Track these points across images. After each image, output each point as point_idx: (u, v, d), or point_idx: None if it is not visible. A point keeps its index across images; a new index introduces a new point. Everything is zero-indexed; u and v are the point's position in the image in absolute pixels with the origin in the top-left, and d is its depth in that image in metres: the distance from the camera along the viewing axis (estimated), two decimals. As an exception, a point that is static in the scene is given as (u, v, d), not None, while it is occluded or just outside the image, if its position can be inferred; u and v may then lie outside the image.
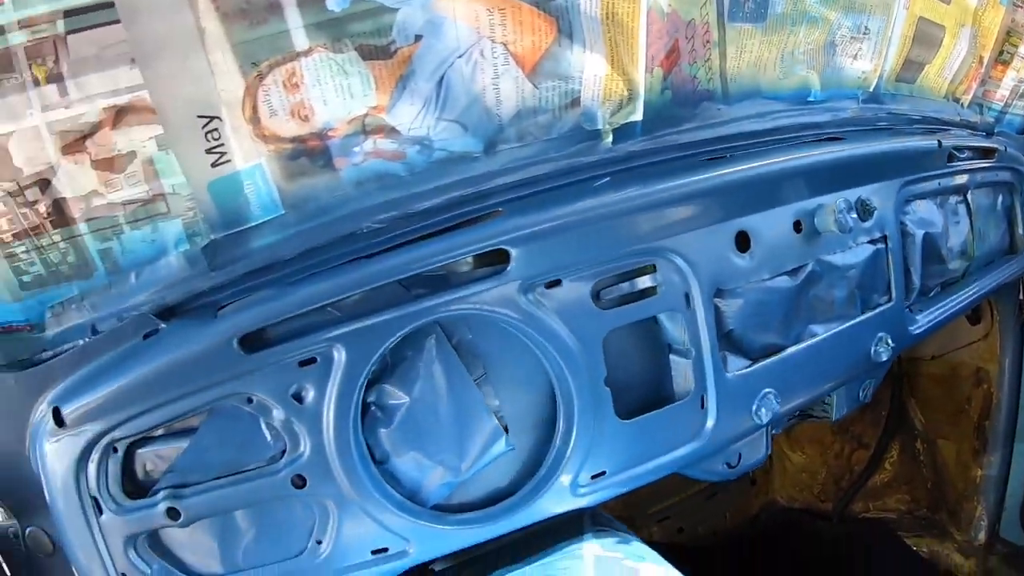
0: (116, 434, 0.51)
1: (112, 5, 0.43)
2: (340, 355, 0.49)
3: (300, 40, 0.45)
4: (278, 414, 0.50)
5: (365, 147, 0.50)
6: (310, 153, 0.49)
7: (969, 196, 0.69)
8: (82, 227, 0.50)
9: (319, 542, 0.53)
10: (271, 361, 0.49)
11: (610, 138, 0.53)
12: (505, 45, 0.49)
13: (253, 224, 0.51)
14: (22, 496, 0.58)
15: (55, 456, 0.53)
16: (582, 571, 0.48)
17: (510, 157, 0.52)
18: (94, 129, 0.47)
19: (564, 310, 0.51)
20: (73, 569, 0.57)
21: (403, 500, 0.52)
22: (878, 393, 0.88)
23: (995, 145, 0.71)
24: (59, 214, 0.49)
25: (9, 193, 0.48)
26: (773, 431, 0.62)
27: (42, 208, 0.49)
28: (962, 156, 0.67)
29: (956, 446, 0.85)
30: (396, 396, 0.51)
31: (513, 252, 0.49)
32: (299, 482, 0.51)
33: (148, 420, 0.51)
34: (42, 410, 0.52)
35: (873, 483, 0.93)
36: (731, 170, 0.54)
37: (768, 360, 0.56)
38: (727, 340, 0.55)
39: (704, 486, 1.01)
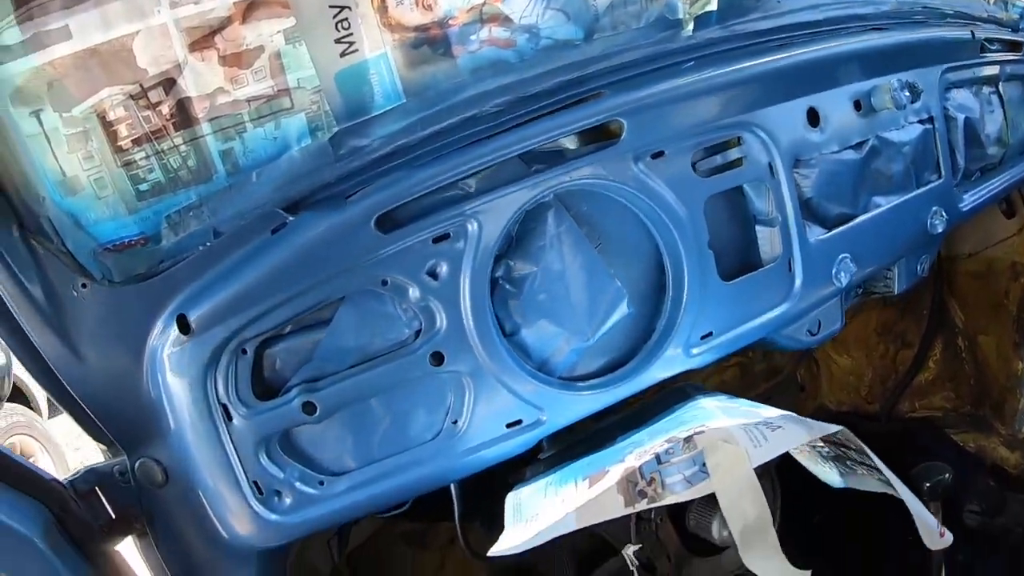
0: (247, 334, 0.53)
1: None
2: (472, 228, 0.53)
3: (424, -72, 0.50)
4: (413, 293, 0.53)
5: (481, 35, 0.54)
6: (431, 42, 0.53)
7: (1001, 87, 0.78)
8: (205, 127, 0.52)
9: (455, 422, 0.56)
10: (406, 240, 0.52)
11: (690, 26, 0.59)
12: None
13: (376, 113, 0.54)
14: (133, 426, 0.59)
15: (180, 366, 0.54)
16: (711, 413, 0.53)
17: (605, 44, 0.58)
18: (223, 24, 0.49)
19: (669, 178, 0.56)
20: (197, 490, 0.58)
21: (535, 370, 0.56)
22: (919, 293, 0.97)
23: (1021, 39, 0.81)
24: (182, 115, 0.51)
25: (131, 96, 0.50)
26: (845, 303, 0.69)
27: (165, 109, 0.51)
28: (993, 48, 0.77)
29: (996, 340, 0.93)
30: (523, 268, 0.55)
31: (626, 124, 0.54)
32: (436, 360, 0.54)
33: (280, 316, 0.53)
34: (164, 321, 0.54)
35: (918, 382, 1.01)
36: (799, 52, 0.61)
37: (842, 227, 0.63)
38: (805, 209, 0.62)
39: (758, 394, 1.08)
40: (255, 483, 0.56)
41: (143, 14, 0.48)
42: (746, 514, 0.47)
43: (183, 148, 0.52)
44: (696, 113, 0.57)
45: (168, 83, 0.50)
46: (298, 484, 0.56)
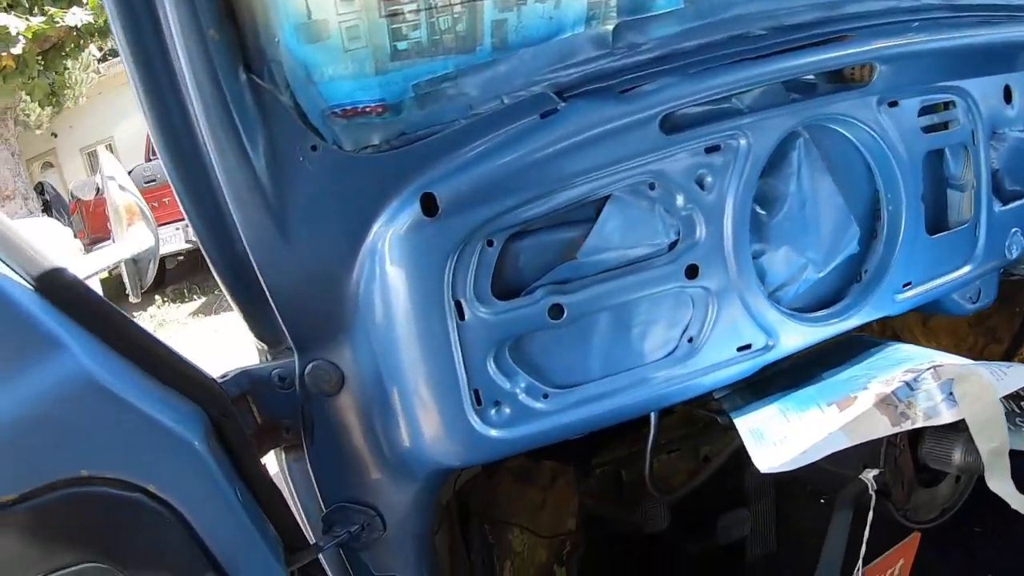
0: (499, 224, 0.50)
1: None
2: (742, 144, 0.53)
3: None
4: (680, 200, 0.52)
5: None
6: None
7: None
8: (488, -10, 0.48)
9: (690, 340, 0.55)
10: (684, 144, 0.51)
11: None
12: None
13: (656, 13, 0.52)
14: (319, 324, 0.53)
15: (415, 251, 0.50)
16: (928, 353, 0.57)
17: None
18: None
19: (901, 128, 0.59)
20: (388, 398, 0.53)
21: (771, 295, 0.57)
22: (1015, 290, 1.06)
23: None
24: (470, -31, 0.47)
25: (422, -63, 0.45)
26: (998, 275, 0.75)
27: (454, -39, 0.46)
28: None
29: None
30: (773, 193, 0.56)
31: (879, 68, 0.57)
32: (691, 272, 0.53)
33: (537, 209, 0.51)
34: (404, 199, 0.49)
35: None
36: (1003, 32, 0.67)
37: (1018, 202, 0.70)
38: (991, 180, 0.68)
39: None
40: (476, 392, 0.52)
41: None
42: (992, 440, 0.50)
43: (457, 9, 0.48)
44: (932, 70, 0.61)
45: (464, -68, 0.46)
46: (522, 396, 0.53)
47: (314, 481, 0.60)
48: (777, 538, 0.88)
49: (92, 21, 5.88)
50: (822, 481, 0.81)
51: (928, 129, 0.63)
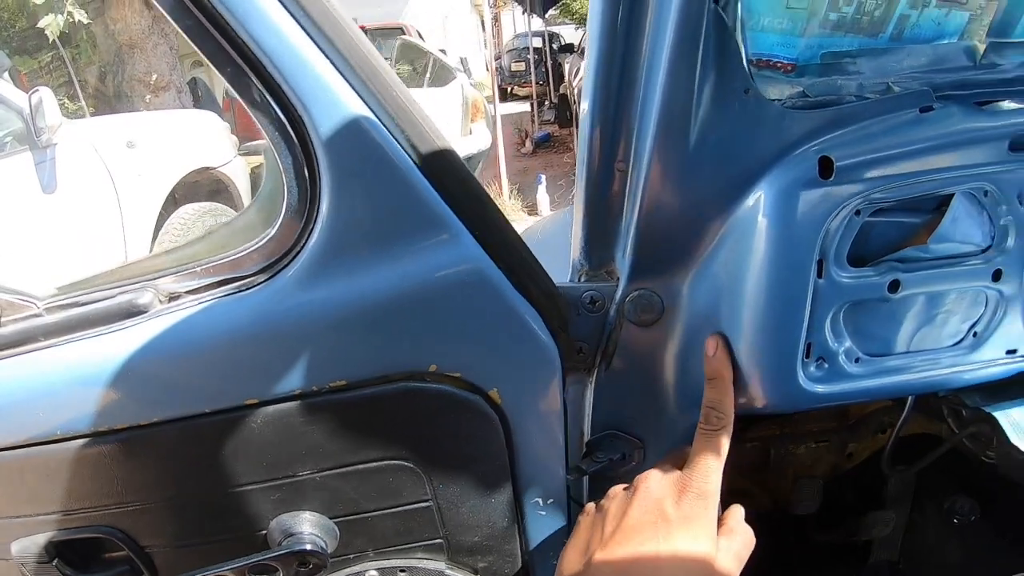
0: (872, 197, 0.61)
1: None
2: (1055, 171, 0.68)
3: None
4: (1003, 210, 0.66)
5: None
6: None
7: None
8: (919, -16, 0.60)
9: (975, 335, 0.69)
10: (1017, 164, 0.65)
11: None
12: None
13: (1015, 39, 0.66)
14: (666, 254, 0.62)
15: (803, 208, 0.60)
16: None
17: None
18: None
19: None
20: (741, 338, 0.62)
21: (1043, 310, 0.72)
22: None
23: None
24: (908, -36, 0.59)
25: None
26: None
27: (901, -49, 0.58)
28: None
29: None
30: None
31: None
32: (996, 276, 0.67)
33: (901, 191, 0.63)
34: (803, 156, 0.59)
35: None
36: None
37: None
38: None
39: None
40: (808, 345, 0.63)
41: None
42: None
43: (883, -3, 0.59)
44: None
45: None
46: (841, 356, 0.65)
47: (590, 405, 0.68)
48: (902, 547, 1.04)
49: None
50: (962, 503, 0.99)
51: None
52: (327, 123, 0.53)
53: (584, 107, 0.59)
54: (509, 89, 16.15)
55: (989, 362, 0.71)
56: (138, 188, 3.37)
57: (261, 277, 0.57)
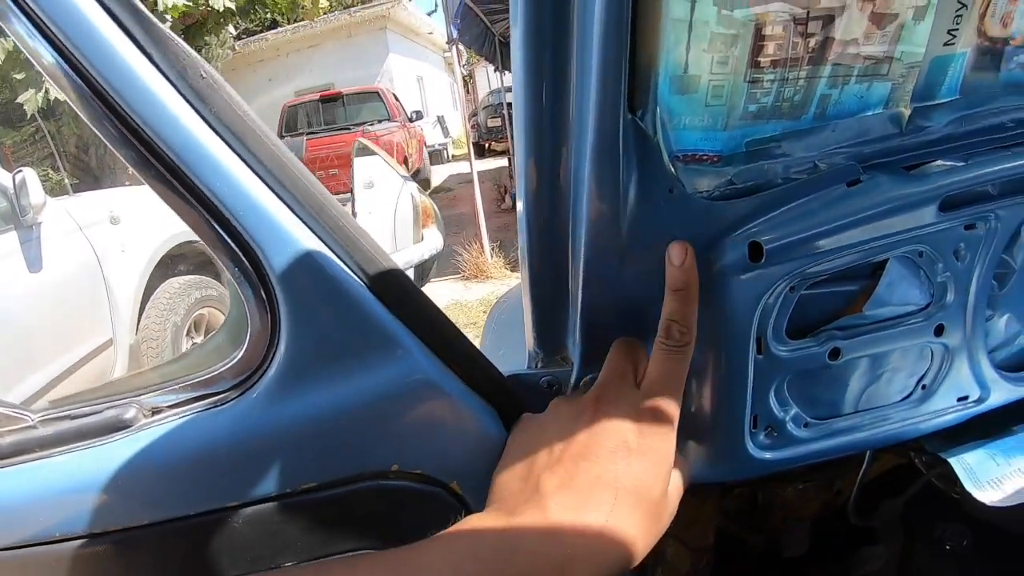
0: (804, 274, 0.72)
1: None
2: (992, 224, 0.78)
3: (1042, -37, 0.75)
4: (940, 268, 0.77)
5: (1019, 59, 0.80)
6: (992, 53, 0.78)
7: None
8: (827, 70, 0.71)
9: (924, 387, 0.81)
10: (951, 222, 0.76)
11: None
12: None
13: (938, 101, 0.77)
14: (608, 340, 0.73)
15: (736, 292, 0.71)
16: None
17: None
18: (887, -14, 0.69)
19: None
20: (691, 414, 0.74)
21: (991, 355, 0.83)
22: None
23: None
24: (820, 52, 0.70)
25: (794, 19, 0.67)
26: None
27: (812, 42, 0.69)
28: None
29: None
30: (1006, 267, 0.82)
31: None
32: (938, 331, 0.79)
33: (833, 264, 0.74)
34: (732, 244, 0.70)
35: None
36: None
37: None
38: None
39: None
40: (755, 416, 0.74)
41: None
42: None
43: (800, 82, 0.70)
44: None
45: (827, 20, 0.68)
46: (789, 424, 0.77)
47: None
48: (899, 577, 1.16)
49: (233, 7, 7.83)
50: (953, 531, 1.10)
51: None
52: (281, 258, 0.65)
53: (519, 208, 0.71)
54: (487, 145, 17.40)
55: (941, 411, 0.82)
56: (123, 264, 3.67)
57: (233, 394, 0.70)
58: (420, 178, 11.93)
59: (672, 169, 0.69)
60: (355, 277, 0.67)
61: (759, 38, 0.67)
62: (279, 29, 15.94)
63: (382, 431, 0.69)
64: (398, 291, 0.68)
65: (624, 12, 0.60)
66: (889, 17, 0.72)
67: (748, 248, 0.71)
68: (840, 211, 0.73)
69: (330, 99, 10.94)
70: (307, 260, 0.65)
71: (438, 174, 14.49)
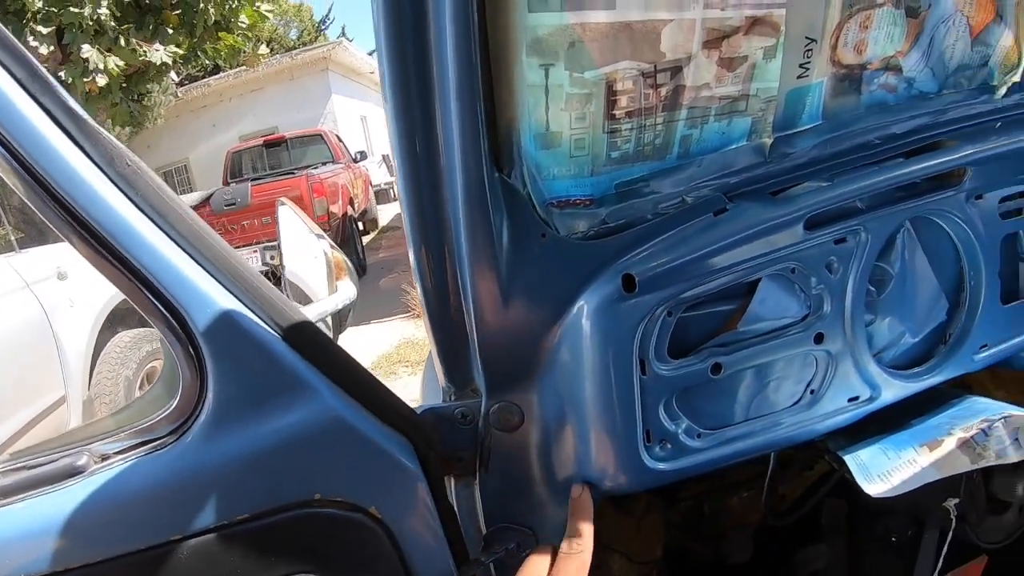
0: (679, 299, 0.86)
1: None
2: (862, 237, 0.91)
3: (884, -6, 0.87)
4: (814, 282, 0.90)
5: (880, 80, 0.93)
6: (851, 79, 0.91)
7: None
8: (682, 113, 0.84)
9: (812, 392, 0.94)
10: (819, 238, 0.89)
11: (1002, 92, 1.04)
12: (968, 18, 0.96)
13: (800, 129, 0.90)
14: (511, 372, 0.88)
15: (615, 321, 0.85)
16: (1000, 405, 0.97)
17: (947, 100, 1.00)
18: (732, 32, 0.82)
19: (984, 216, 1.00)
20: (566, 434, 0.88)
21: (878, 356, 0.96)
22: None
23: None
24: (673, 99, 0.83)
25: (642, 73, 0.81)
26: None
27: (663, 91, 0.82)
28: None
29: None
30: (883, 273, 0.95)
31: (969, 171, 0.96)
32: (818, 339, 0.92)
33: (707, 287, 0.87)
34: (608, 278, 0.84)
35: None
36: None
37: None
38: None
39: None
40: (647, 431, 0.88)
41: (681, 7, 0.79)
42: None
43: (659, 127, 0.84)
44: (1011, 167, 1.01)
45: (675, 70, 0.81)
46: (682, 435, 0.90)
47: (479, 504, 0.95)
48: (851, 574, 1.29)
49: (171, 62, 8.32)
50: (896, 522, 1.22)
51: (1006, 215, 1.03)
52: (203, 318, 0.80)
53: (411, 257, 0.85)
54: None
55: (832, 412, 0.95)
56: (72, 319, 3.79)
57: (171, 438, 0.85)
58: (368, 218, 12.39)
59: (543, 215, 0.83)
60: (269, 330, 0.82)
61: (611, 94, 0.81)
62: (221, 74, 16.53)
63: (303, 464, 0.84)
64: (309, 340, 0.83)
65: (475, 84, 0.74)
66: (738, 60, 0.85)
67: (622, 280, 0.84)
68: (708, 239, 0.86)
69: (274, 144, 11.39)
70: (226, 318, 0.80)
71: (385, 213, 14.83)
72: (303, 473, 0.85)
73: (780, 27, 0.84)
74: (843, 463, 0.98)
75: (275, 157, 11.19)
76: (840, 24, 0.87)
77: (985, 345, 1.05)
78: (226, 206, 8.00)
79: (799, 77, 0.88)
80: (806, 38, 0.86)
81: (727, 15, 0.82)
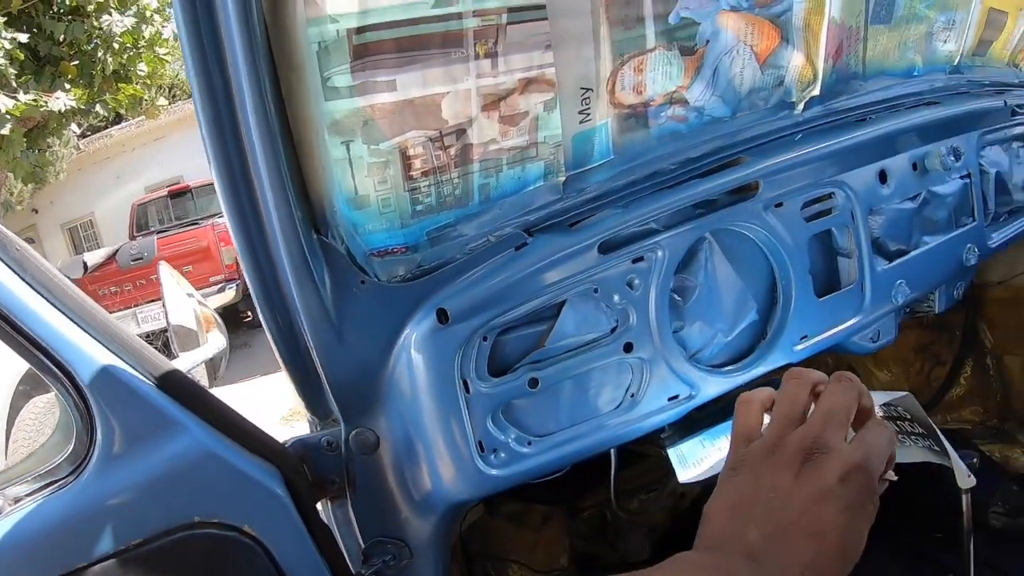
0: (491, 326, 1.05)
1: (544, 7, 0.98)
2: (659, 254, 1.09)
3: (650, 41, 1.05)
4: (616, 298, 1.08)
5: (667, 113, 1.10)
6: (636, 116, 1.09)
7: (1027, 143, 1.50)
8: (476, 166, 1.03)
9: (632, 395, 1.11)
10: (616, 260, 1.07)
11: (801, 107, 1.20)
12: (751, 47, 1.13)
13: (592, 165, 1.07)
14: (360, 400, 1.07)
15: (434, 348, 1.04)
16: None
17: (744, 121, 1.17)
18: (508, 94, 1.01)
19: (786, 222, 1.17)
20: (416, 452, 1.07)
21: (691, 357, 1.13)
22: (953, 316, 1.67)
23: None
24: (463, 156, 1.02)
25: (430, 139, 1.00)
26: (897, 318, 1.34)
27: (452, 151, 1.01)
28: (1022, 111, 1.48)
29: (1022, 361, 1.65)
30: (686, 284, 1.12)
31: (763, 183, 1.13)
32: (627, 348, 1.10)
33: (516, 313, 1.06)
34: (425, 312, 1.03)
35: (950, 397, 1.72)
36: (875, 128, 1.24)
37: (899, 260, 1.27)
38: (874, 245, 1.25)
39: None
40: (480, 443, 1.07)
41: (455, 80, 0.97)
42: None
43: (456, 180, 1.02)
44: (807, 175, 1.18)
45: (460, 132, 1.00)
46: (513, 444, 1.09)
47: (354, 522, 1.15)
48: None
49: (75, 107, 8.39)
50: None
51: (811, 217, 1.20)
52: (88, 373, 1.02)
53: (257, 308, 1.05)
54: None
55: (654, 412, 1.13)
56: None
57: (71, 478, 1.07)
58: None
59: (362, 265, 1.02)
60: (143, 379, 1.03)
61: (406, 158, 1.00)
62: (123, 124, 16.61)
63: (182, 491, 1.05)
64: (178, 385, 1.04)
65: (281, 165, 0.94)
66: (519, 116, 1.03)
67: (436, 313, 1.03)
68: (511, 271, 1.05)
69: (179, 194, 11.58)
70: (107, 371, 1.02)
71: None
72: (182, 500, 1.06)
73: (554, 82, 1.02)
74: (665, 457, 1.16)
75: (181, 207, 11.37)
76: (614, 72, 1.05)
77: (805, 336, 1.21)
78: (132, 261, 8.46)
79: (582, 122, 1.06)
80: (581, 88, 1.04)
81: (500, 80, 1.00)
